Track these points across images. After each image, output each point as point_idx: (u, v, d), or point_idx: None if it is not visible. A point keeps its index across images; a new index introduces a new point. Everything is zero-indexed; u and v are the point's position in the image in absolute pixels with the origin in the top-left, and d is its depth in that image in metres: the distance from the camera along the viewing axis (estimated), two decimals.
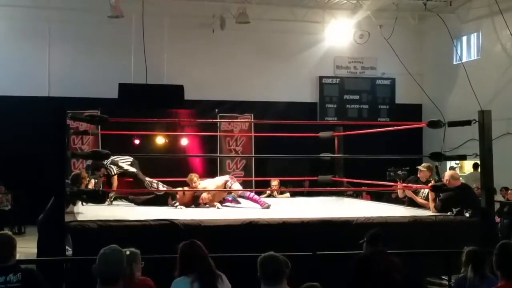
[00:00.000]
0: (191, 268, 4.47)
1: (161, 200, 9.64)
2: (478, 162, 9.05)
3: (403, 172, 9.55)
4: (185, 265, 4.51)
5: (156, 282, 4.81)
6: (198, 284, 4.40)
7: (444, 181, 8.72)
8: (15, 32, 15.88)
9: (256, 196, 9.84)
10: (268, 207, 9.35)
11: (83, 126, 13.18)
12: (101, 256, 3.85)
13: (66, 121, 7.60)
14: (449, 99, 17.35)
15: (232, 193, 10.08)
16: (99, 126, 11.83)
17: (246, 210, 9.26)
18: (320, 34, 17.72)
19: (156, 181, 9.90)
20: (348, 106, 18.15)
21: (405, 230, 7.31)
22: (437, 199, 8.71)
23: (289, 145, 13.51)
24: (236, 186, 9.76)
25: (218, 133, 15.30)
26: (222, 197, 9.78)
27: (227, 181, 9.72)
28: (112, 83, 14.82)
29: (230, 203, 9.95)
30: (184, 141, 14.97)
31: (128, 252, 4.60)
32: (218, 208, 9.37)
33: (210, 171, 14.48)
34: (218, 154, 15.52)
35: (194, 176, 9.76)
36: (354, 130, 11.92)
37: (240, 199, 9.99)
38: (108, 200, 9.63)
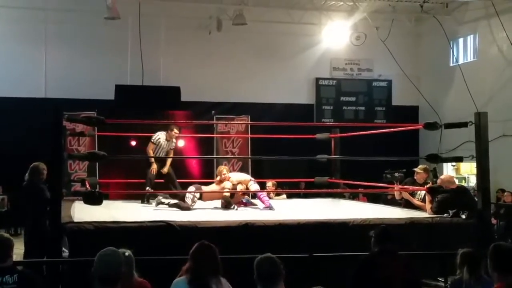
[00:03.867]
0: (192, 267, 4.49)
1: None
2: None
3: (400, 174, 9.56)
4: (189, 263, 4.54)
5: (153, 283, 4.80)
6: (191, 285, 4.42)
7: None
8: (12, 33, 15.85)
9: (265, 197, 9.91)
10: (270, 209, 9.42)
11: (79, 127, 13.12)
12: (101, 258, 3.84)
13: (62, 122, 7.61)
14: (445, 101, 17.38)
15: (246, 196, 10.26)
16: (96, 128, 11.82)
17: (242, 212, 9.27)
18: (317, 36, 17.74)
19: None
20: (344, 107, 18.17)
21: (401, 231, 7.31)
22: (434, 200, 8.72)
23: (286, 146, 13.49)
24: (256, 186, 9.88)
25: (214, 135, 15.31)
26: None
27: (251, 179, 9.95)
28: (108, 84, 14.81)
29: (244, 206, 9.96)
30: (180, 143, 14.93)
31: (126, 253, 4.61)
32: (236, 209, 9.40)
33: (207, 173, 14.48)
34: (214, 156, 15.52)
35: (223, 168, 9.80)
36: (350, 132, 11.93)
37: (254, 201, 10.11)
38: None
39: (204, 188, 9.68)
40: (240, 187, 9.68)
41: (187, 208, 9.04)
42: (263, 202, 9.68)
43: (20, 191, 8.59)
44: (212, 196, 9.62)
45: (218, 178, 9.74)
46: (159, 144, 10.38)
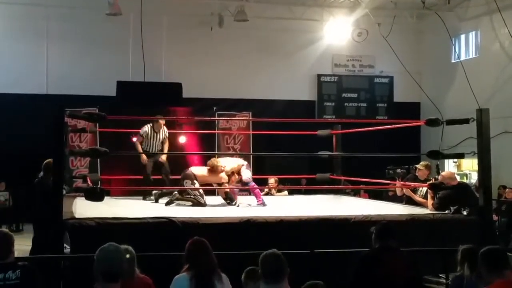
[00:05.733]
0: (193, 264, 4.50)
1: None
2: None
3: (402, 170, 9.57)
4: (187, 262, 4.55)
5: (154, 279, 4.81)
6: (194, 281, 4.42)
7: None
8: (14, 30, 15.87)
9: (258, 191, 9.94)
10: (263, 205, 9.47)
11: (81, 123, 13.09)
12: (104, 253, 3.83)
13: (64, 119, 7.60)
14: (447, 97, 17.37)
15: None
16: (97, 124, 11.83)
17: (244, 208, 9.29)
18: (319, 32, 17.72)
19: None
20: (346, 104, 18.17)
21: (403, 228, 7.31)
22: (435, 197, 8.72)
23: (287, 143, 13.53)
24: (248, 173, 9.88)
25: (216, 131, 15.30)
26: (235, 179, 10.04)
27: (243, 165, 9.94)
28: (110, 81, 14.81)
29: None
30: (182, 139, 14.96)
31: (127, 256, 4.63)
32: (237, 206, 9.46)
33: None
34: (216, 152, 15.52)
35: (216, 160, 9.86)
36: (352, 128, 11.90)
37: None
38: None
39: (195, 170, 9.69)
40: (233, 177, 9.78)
41: (203, 204, 9.23)
42: (256, 197, 9.72)
43: (31, 188, 8.62)
44: (206, 181, 9.68)
45: (208, 167, 9.73)
46: (147, 137, 10.63)
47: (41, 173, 8.51)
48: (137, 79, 15.06)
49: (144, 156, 10.54)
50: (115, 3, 14.66)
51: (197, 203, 9.24)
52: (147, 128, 10.63)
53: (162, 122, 10.73)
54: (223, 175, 9.63)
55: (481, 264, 4.46)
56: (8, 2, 15.64)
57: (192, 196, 9.34)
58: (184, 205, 9.25)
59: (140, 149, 10.58)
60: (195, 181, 9.39)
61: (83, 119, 9.46)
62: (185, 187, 9.41)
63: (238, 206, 9.46)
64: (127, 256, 4.59)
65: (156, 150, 10.72)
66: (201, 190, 9.42)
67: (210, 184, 9.93)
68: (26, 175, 14.57)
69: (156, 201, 9.80)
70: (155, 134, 10.66)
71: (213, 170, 9.64)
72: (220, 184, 9.76)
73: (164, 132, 10.82)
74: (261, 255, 4.20)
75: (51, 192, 7.93)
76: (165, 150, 10.83)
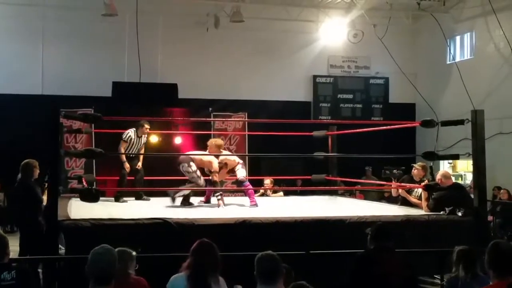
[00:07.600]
0: (191, 264, 4.50)
1: None
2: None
3: (398, 171, 9.59)
4: (188, 261, 4.55)
5: (149, 281, 4.81)
6: (190, 281, 4.42)
7: (436, 181, 8.75)
8: (9, 30, 15.84)
9: (252, 191, 9.92)
10: (255, 206, 9.48)
11: (76, 124, 13.11)
12: (94, 256, 3.84)
13: (59, 119, 7.60)
14: (442, 98, 17.40)
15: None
16: (93, 125, 11.83)
17: (239, 209, 9.28)
18: (314, 33, 17.74)
19: None
20: (341, 105, 18.18)
21: (398, 229, 7.32)
22: (430, 198, 8.73)
23: (283, 144, 13.52)
24: (243, 172, 9.86)
25: (211, 132, 15.28)
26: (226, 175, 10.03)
27: (239, 163, 9.88)
28: (106, 81, 14.81)
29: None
30: (177, 140, 14.95)
31: (133, 253, 4.63)
32: (222, 207, 9.40)
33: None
34: (211, 153, 15.49)
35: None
36: (347, 129, 11.93)
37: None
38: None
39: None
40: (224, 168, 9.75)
41: (202, 186, 9.34)
42: (249, 197, 9.70)
43: (12, 191, 8.53)
44: (203, 164, 9.61)
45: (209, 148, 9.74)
46: (131, 142, 10.46)
47: (19, 175, 8.40)
48: (132, 80, 15.07)
49: (127, 164, 10.39)
50: (111, 4, 14.67)
51: (197, 186, 9.20)
52: (131, 133, 10.44)
53: (147, 127, 10.53)
54: (214, 163, 9.56)
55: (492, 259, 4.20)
56: (4, 2, 15.60)
57: (192, 179, 9.28)
58: (189, 194, 9.22)
59: (123, 155, 10.36)
60: (191, 163, 9.34)
61: (78, 119, 9.47)
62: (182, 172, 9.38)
63: (219, 198, 9.40)
64: (133, 253, 4.62)
65: (135, 155, 10.55)
66: (198, 172, 9.36)
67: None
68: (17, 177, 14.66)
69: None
70: (138, 139, 10.50)
71: (211, 147, 9.63)
72: (212, 172, 9.63)
73: (144, 138, 10.68)
74: (257, 256, 4.21)
75: (31, 193, 7.92)
76: (141, 157, 10.65)
